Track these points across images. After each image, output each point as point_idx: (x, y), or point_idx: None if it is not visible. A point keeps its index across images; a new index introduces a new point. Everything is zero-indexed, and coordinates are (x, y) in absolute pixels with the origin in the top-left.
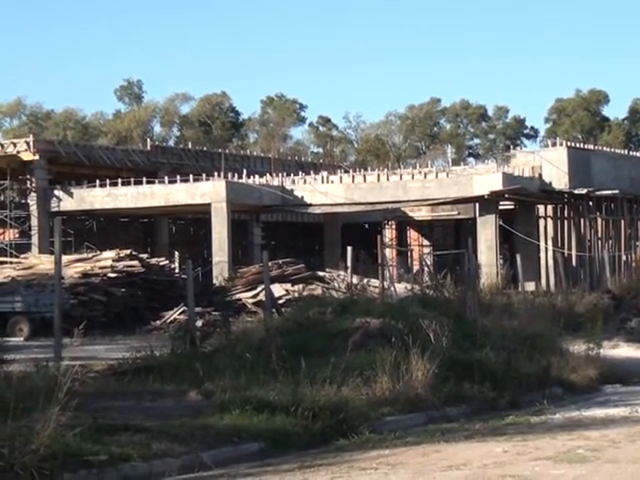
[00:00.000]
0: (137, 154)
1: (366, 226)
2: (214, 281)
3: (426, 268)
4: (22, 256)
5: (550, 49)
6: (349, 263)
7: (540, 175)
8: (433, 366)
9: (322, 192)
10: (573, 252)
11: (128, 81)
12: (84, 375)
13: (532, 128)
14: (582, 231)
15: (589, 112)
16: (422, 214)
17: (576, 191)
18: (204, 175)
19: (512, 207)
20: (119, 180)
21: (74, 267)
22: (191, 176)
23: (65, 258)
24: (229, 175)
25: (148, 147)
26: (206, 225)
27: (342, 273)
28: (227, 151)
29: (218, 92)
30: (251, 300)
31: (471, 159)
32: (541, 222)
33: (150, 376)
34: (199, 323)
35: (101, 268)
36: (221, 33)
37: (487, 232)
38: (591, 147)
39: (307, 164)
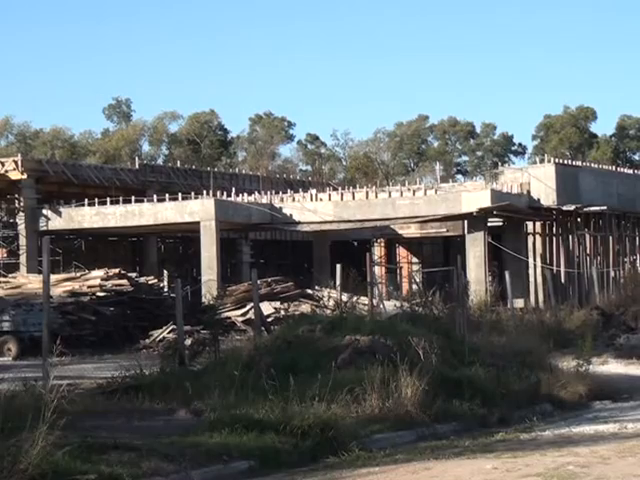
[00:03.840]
0: (126, 173)
1: (355, 244)
2: (203, 299)
3: (415, 285)
4: (10, 275)
5: (538, 66)
6: (338, 281)
7: (528, 192)
8: (422, 383)
9: (311, 210)
10: (562, 268)
11: (117, 100)
12: (73, 394)
13: (520, 145)
14: (570, 247)
15: (577, 129)
16: (411, 231)
17: (564, 207)
18: (193, 193)
19: (501, 224)
20: (108, 199)
21: (62, 286)
22: (180, 194)
23: (53, 277)
24: (218, 193)
25: (137, 166)
26: (195, 243)
27: (331, 291)
28: (216, 169)
29: (207, 110)
30: (240, 318)
31: (459, 176)
32: (530, 239)
33: (139, 395)
34: (188, 341)
35: (90, 287)
36: (209, 51)
37: (476, 249)
38: (579, 164)
39: (296, 182)
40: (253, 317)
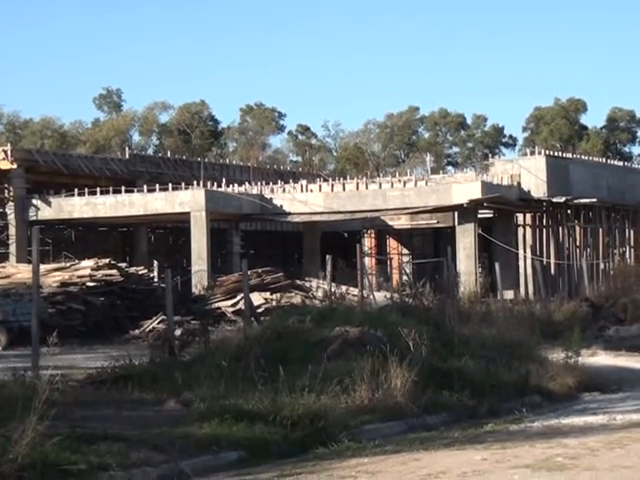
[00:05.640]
0: (116, 163)
1: (345, 235)
2: (193, 290)
3: (405, 277)
4: (0, 265)
5: (528, 58)
6: (328, 272)
7: (519, 183)
8: (412, 374)
9: (301, 201)
10: (552, 260)
11: (107, 89)
12: (62, 384)
13: (511, 137)
14: (560, 239)
15: (567, 121)
16: (401, 223)
17: (554, 199)
18: (183, 184)
19: (491, 215)
20: (98, 189)
21: (52, 276)
22: (170, 185)
23: (43, 267)
24: (208, 184)
25: (127, 156)
26: (185, 234)
27: (321, 282)
28: (206, 160)
29: (197, 101)
30: (230, 309)
31: (450, 168)
32: (520, 230)
33: (129, 385)
34: (178, 332)
35: (79, 277)
36: (200, 42)
37: (466, 240)
38: (569, 155)
39: (286, 173)
40: (243, 308)
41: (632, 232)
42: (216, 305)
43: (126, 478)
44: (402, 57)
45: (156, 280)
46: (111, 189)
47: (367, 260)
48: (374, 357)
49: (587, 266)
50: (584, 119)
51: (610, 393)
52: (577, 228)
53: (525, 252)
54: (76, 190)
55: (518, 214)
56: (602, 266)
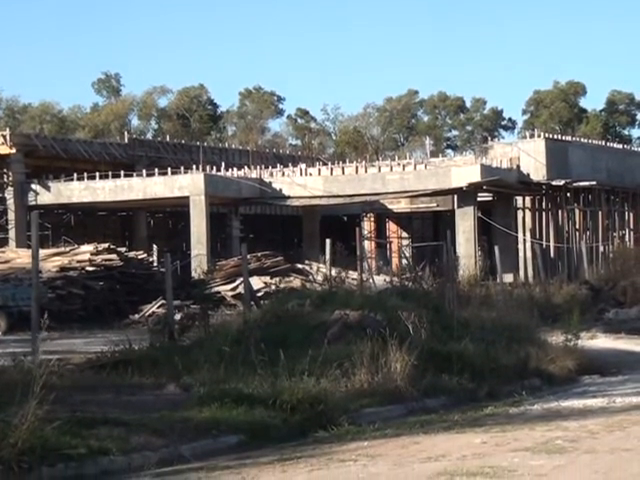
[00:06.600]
0: (115, 147)
1: (345, 218)
2: (193, 274)
3: (405, 260)
4: None
5: (528, 41)
6: (328, 256)
7: (518, 166)
8: (412, 358)
9: (300, 184)
10: (551, 243)
11: (106, 74)
12: (62, 368)
13: (510, 120)
14: (560, 222)
15: (567, 104)
16: (401, 206)
17: (554, 182)
18: (182, 168)
19: (490, 199)
20: (97, 173)
21: (52, 261)
22: (169, 169)
23: (43, 252)
24: (207, 168)
25: (126, 140)
26: (184, 218)
27: (321, 265)
28: (205, 144)
29: (196, 85)
30: (230, 293)
31: (449, 151)
32: (519, 213)
33: (129, 369)
34: (178, 316)
35: (79, 262)
36: (199, 26)
37: (465, 224)
38: (569, 138)
39: (285, 156)
40: (243, 292)
41: (631, 215)
42: (216, 289)
43: (126, 462)
44: (401, 41)
45: (155, 264)
46: (110, 173)
47: (367, 244)
48: (374, 341)
49: (586, 249)
50: (583, 102)
51: (609, 376)
52: (576, 211)
53: (525, 235)
54: (75, 175)
55: (517, 197)
56: (602, 249)
